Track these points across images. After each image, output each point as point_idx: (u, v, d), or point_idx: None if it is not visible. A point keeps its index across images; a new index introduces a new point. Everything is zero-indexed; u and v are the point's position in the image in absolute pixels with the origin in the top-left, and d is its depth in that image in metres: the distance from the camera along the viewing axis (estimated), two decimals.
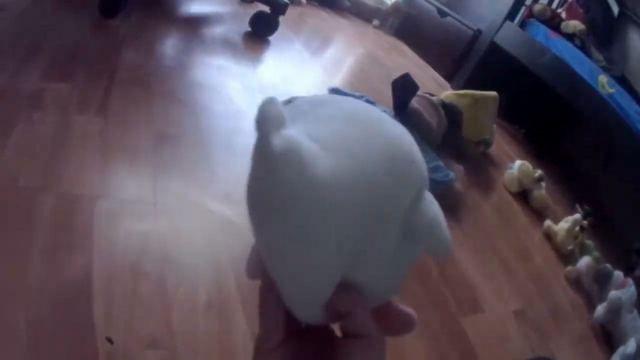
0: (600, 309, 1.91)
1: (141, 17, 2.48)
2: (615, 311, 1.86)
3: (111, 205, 1.40)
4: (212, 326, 1.19)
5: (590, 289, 2.08)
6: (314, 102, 0.40)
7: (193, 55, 2.42)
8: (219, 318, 1.22)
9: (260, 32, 2.90)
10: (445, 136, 2.30)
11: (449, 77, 3.72)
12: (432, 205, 0.39)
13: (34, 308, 1.06)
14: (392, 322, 0.48)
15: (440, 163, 2.09)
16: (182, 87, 2.09)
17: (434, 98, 2.33)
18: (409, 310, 0.49)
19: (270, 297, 0.41)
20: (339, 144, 0.35)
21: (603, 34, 3.25)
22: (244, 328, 1.21)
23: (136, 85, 1.93)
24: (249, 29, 2.90)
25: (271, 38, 2.95)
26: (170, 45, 2.48)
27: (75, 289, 1.14)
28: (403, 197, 0.37)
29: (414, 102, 2.20)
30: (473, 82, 3.24)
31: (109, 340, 1.07)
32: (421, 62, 3.95)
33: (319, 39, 3.57)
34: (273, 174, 0.33)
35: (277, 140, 0.32)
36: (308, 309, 0.41)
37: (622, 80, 2.82)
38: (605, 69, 2.87)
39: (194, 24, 2.79)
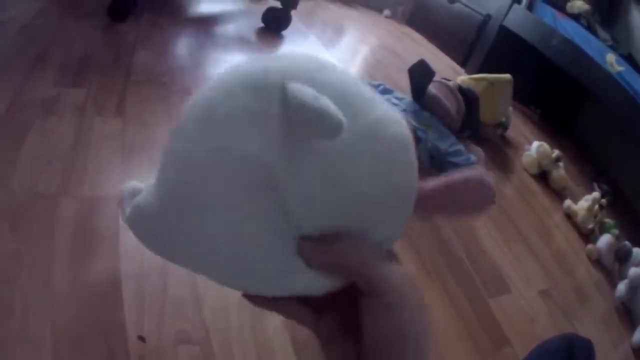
0: (621, 287, 1.92)
1: (152, 20, 2.49)
2: (635, 288, 1.88)
3: None
4: (245, 320, 1.20)
5: (611, 267, 2.10)
6: None
7: (207, 54, 2.43)
8: (252, 312, 1.22)
9: (273, 27, 2.92)
10: (464, 121, 2.31)
11: (462, 63, 3.73)
12: (296, 91, 0.33)
13: (60, 314, 1.06)
14: (468, 197, 0.42)
15: (461, 147, 2.11)
16: (199, 84, 2.06)
17: (450, 83, 2.33)
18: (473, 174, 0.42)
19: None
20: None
21: (608, 13, 3.24)
22: (276, 321, 1.21)
23: (152, 85, 1.94)
24: (262, 25, 2.92)
25: (284, 33, 2.96)
26: (183, 45, 2.49)
27: (103, 292, 1.14)
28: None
29: (432, 88, 2.21)
30: (486, 67, 3.24)
31: (142, 339, 1.07)
32: (434, 49, 3.95)
33: (332, 31, 3.58)
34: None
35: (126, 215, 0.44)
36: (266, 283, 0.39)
37: (629, 58, 2.82)
38: (612, 48, 2.87)
39: (206, 24, 2.80)
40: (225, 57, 2.41)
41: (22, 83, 1.69)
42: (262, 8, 2.91)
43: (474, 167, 2.01)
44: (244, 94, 0.35)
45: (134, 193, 0.42)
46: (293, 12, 2.91)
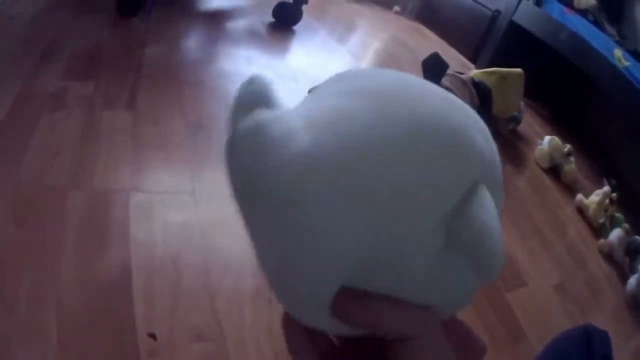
0: (632, 281, 1.92)
1: (162, 14, 2.49)
2: None
3: (147, 198, 1.38)
4: (260, 315, 1.18)
5: (622, 261, 2.09)
6: (342, 76, 0.35)
7: (219, 47, 2.44)
8: (268, 306, 1.20)
9: (284, 22, 2.93)
10: (477, 114, 2.30)
11: (472, 58, 3.72)
12: (485, 210, 0.30)
13: (67, 307, 1.04)
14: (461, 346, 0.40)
15: None
16: (211, 77, 2.11)
17: (463, 76, 2.34)
18: (481, 339, 0.41)
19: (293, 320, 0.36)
20: (334, 120, 0.30)
21: (614, 10, 3.23)
22: None
23: (164, 78, 1.95)
24: (273, 19, 2.92)
25: (296, 27, 2.97)
26: (194, 39, 2.50)
27: (113, 285, 1.12)
28: (437, 192, 0.30)
29: (445, 81, 2.21)
30: (496, 62, 3.22)
31: (152, 337, 1.05)
32: (445, 44, 3.94)
33: (343, 26, 3.58)
34: (237, 158, 0.31)
35: (241, 123, 0.31)
36: (307, 312, 0.34)
37: (635, 54, 2.81)
38: (619, 43, 2.87)
39: (217, 18, 2.81)
40: (236, 51, 2.42)
41: (31, 76, 1.69)
42: (273, 3, 2.91)
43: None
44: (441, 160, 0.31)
45: (253, 102, 0.32)
46: (304, 7, 2.91)
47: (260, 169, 0.29)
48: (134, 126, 1.62)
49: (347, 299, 0.31)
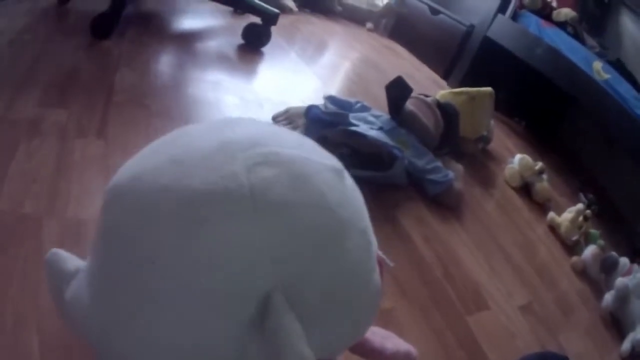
0: (608, 297, 1.91)
1: (135, 36, 2.50)
2: (623, 298, 1.86)
3: None
4: None
5: (598, 278, 2.08)
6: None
7: (188, 72, 2.43)
8: None
9: (253, 44, 2.91)
10: (443, 136, 2.30)
11: (445, 75, 3.73)
12: (280, 330, 0.31)
13: (48, 329, 1.07)
14: None
15: (439, 164, 2.10)
16: (179, 105, 2.09)
17: (428, 99, 2.33)
18: (405, 352, 0.47)
19: None
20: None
21: (596, 20, 3.25)
22: None
23: (133, 106, 1.94)
24: (242, 41, 2.92)
25: (265, 49, 2.96)
26: (165, 63, 2.49)
27: None
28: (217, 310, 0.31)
29: (409, 105, 2.21)
30: (470, 79, 3.25)
31: None
32: (417, 62, 3.96)
33: (313, 47, 3.58)
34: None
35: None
36: None
37: (618, 64, 2.82)
38: (600, 55, 2.88)
39: (188, 40, 2.80)
40: (204, 77, 2.41)
41: (10, 100, 1.70)
42: (243, 23, 2.92)
43: (452, 182, 2.02)
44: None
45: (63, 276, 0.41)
46: (274, 28, 2.91)
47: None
48: (104, 155, 1.63)
49: None
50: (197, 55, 2.65)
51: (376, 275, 0.41)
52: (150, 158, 0.35)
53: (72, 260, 0.41)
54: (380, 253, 0.42)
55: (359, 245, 0.37)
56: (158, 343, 0.31)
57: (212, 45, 2.83)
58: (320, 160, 0.38)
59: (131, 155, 0.39)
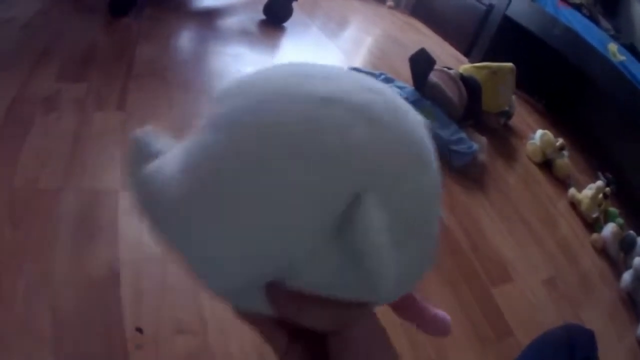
0: (626, 277, 1.91)
1: (153, 13, 2.49)
2: None
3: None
4: None
5: (616, 256, 2.08)
6: (223, 96, 0.37)
7: (209, 47, 2.42)
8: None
9: (275, 19, 2.90)
10: (466, 109, 2.30)
11: (466, 53, 3.71)
12: (365, 231, 0.29)
13: (60, 305, 1.08)
14: (425, 327, 0.46)
15: (464, 135, 2.10)
16: (200, 78, 2.10)
17: (452, 71, 2.32)
18: (443, 317, 0.46)
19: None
20: (198, 160, 0.34)
21: (610, 3, 3.22)
22: None
23: (154, 78, 1.94)
24: (263, 17, 2.90)
25: (287, 24, 2.94)
26: (185, 38, 2.49)
27: (102, 282, 1.16)
28: (308, 208, 0.30)
29: (433, 77, 2.21)
30: (490, 57, 3.21)
31: (139, 331, 1.09)
32: (438, 39, 3.93)
33: (335, 22, 3.56)
34: (138, 203, 0.36)
35: (134, 177, 0.37)
36: (239, 298, 0.38)
37: (632, 48, 2.80)
38: (614, 38, 2.85)
39: (208, 17, 2.79)
40: (226, 50, 2.40)
41: (25, 80, 1.70)
42: (264, 0, 2.89)
43: (476, 154, 2.01)
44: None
45: (140, 159, 0.38)
46: (295, 4, 2.89)
47: (152, 214, 0.35)
48: (123, 127, 1.63)
49: (279, 298, 0.34)
50: (218, 30, 2.65)
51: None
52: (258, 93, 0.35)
53: (163, 139, 0.39)
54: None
55: (438, 180, 0.37)
56: (238, 222, 0.31)
57: (233, 21, 2.81)
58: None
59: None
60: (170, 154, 0.37)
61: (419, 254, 0.36)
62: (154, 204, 0.35)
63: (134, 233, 1.30)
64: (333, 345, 0.36)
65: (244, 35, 2.65)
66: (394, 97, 0.36)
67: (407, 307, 0.46)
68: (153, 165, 0.36)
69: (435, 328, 0.46)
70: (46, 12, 2.19)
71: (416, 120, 0.36)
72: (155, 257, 1.25)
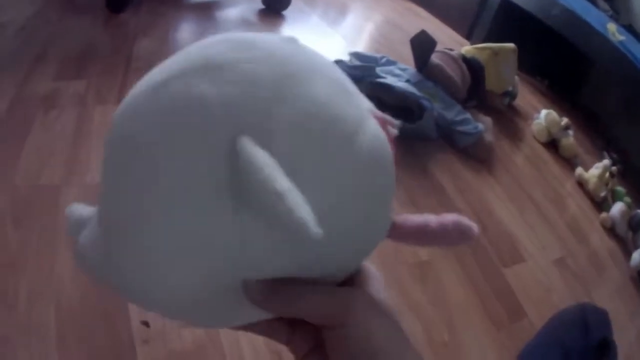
0: (636, 256, 1.89)
1: (152, 8, 2.49)
2: None
3: None
4: None
5: (625, 235, 2.06)
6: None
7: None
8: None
9: (273, 8, 2.89)
10: (469, 90, 2.29)
11: (467, 36, 3.69)
12: (253, 169, 0.26)
13: (64, 302, 1.08)
14: (439, 240, 0.41)
15: (468, 115, 2.09)
16: None
17: (453, 52, 2.31)
18: (454, 220, 0.41)
19: None
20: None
21: None
22: None
23: None
24: (263, 6, 2.89)
25: (286, 13, 2.93)
26: (185, 31, 2.49)
27: None
28: (189, 171, 0.29)
29: (435, 58, 2.19)
30: (491, 39, 3.18)
31: (146, 324, 1.09)
32: (439, 23, 3.91)
33: (335, 10, 3.53)
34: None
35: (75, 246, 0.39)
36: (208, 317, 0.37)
37: (629, 29, 2.80)
38: (613, 18, 2.85)
39: (207, 8, 2.78)
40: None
41: (23, 81, 1.71)
42: None
43: (482, 134, 2.00)
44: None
45: (80, 223, 0.40)
46: None
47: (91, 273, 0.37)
48: None
49: (257, 288, 0.32)
50: (218, 21, 2.65)
51: (370, 129, 0.34)
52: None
53: (89, 208, 0.40)
54: (380, 113, 0.37)
55: (329, 89, 0.33)
56: (166, 250, 0.30)
57: (232, 12, 2.80)
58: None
59: None
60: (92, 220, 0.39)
61: (333, 182, 0.32)
62: (88, 267, 0.37)
63: None
64: (327, 341, 0.34)
65: (244, 25, 2.64)
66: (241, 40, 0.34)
67: (406, 233, 0.41)
68: (82, 236, 0.38)
69: (449, 237, 0.41)
70: (42, 14, 2.20)
71: (274, 43, 0.34)
72: None
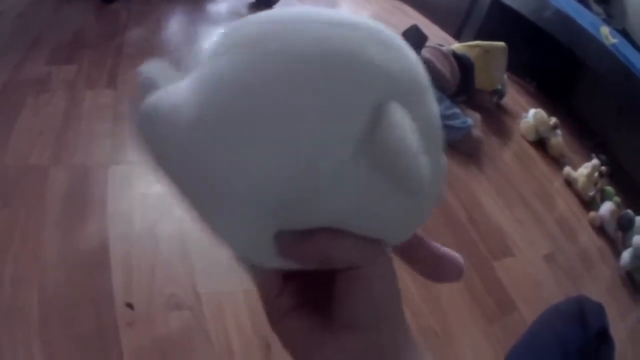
0: (626, 255, 1.90)
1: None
2: None
3: (125, 170, 1.42)
4: (237, 284, 1.19)
5: (614, 234, 2.08)
6: (230, 31, 0.35)
7: (200, 28, 2.42)
8: (245, 275, 1.19)
9: (264, 1, 2.87)
10: (459, 86, 2.29)
11: (456, 36, 3.69)
12: (394, 128, 0.29)
13: (48, 283, 1.07)
14: (434, 269, 0.43)
15: (457, 110, 2.09)
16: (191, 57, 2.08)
17: (444, 48, 2.31)
18: (454, 255, 0.42)
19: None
20: (217, 83, 0.32)
21: None
22: None
23: (144, 57, 1.90)
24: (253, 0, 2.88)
25: (277, 7, 2.89)
26: (176, 20, 2.49)
27: (91, 258, 1.15)
28: (335, 119, 0.29)
29: (425, 52, 2.20)
30: (481, 39, 3.22)
31: (130, 306, 1.08)
32: (427, 22, 3.92)
33: (324, 5, 3.50)
34: (142, 132, 0.35)
35: (142, 104, 0.35)
36: (248, 249, 0.36)
37: (623, 33, 2.81)
38: (606, 22, 2.86)
39: (198, 0, 2.77)
40: (217, 31, 2.37)
41: (16, 65, 1.72)
42: None
43: (470, 129, 2.00)
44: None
45: (148, 87, 0.36)
46: None
47: (155, 141, 0.34)
48: (114, 103, 1.65)
49: (291, 240, 0.32)
50: (209, 13, 2.65)
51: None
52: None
53: (169, 73, 0.37)
54: None
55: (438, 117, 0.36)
56: (267, 136, 0.29)
57: (222, 4, 2.79)
58: None
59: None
60: (176, 84, 0.35)
61: (434, 182, 0.34)
62: (161, 132, 0.34)
63: (124, 207, 1.30)
64: (342, 280, 0.34)
65: (234, 16, 2.61)
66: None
67: (414, 247, 0.42)
68: (157, 94, 0.35)
69: (443, 270, 0.43)
70: (38, 3, 2.21)
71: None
72: (146, 230, 1.24)
